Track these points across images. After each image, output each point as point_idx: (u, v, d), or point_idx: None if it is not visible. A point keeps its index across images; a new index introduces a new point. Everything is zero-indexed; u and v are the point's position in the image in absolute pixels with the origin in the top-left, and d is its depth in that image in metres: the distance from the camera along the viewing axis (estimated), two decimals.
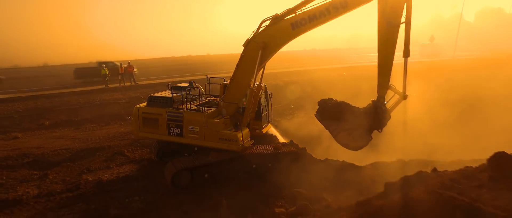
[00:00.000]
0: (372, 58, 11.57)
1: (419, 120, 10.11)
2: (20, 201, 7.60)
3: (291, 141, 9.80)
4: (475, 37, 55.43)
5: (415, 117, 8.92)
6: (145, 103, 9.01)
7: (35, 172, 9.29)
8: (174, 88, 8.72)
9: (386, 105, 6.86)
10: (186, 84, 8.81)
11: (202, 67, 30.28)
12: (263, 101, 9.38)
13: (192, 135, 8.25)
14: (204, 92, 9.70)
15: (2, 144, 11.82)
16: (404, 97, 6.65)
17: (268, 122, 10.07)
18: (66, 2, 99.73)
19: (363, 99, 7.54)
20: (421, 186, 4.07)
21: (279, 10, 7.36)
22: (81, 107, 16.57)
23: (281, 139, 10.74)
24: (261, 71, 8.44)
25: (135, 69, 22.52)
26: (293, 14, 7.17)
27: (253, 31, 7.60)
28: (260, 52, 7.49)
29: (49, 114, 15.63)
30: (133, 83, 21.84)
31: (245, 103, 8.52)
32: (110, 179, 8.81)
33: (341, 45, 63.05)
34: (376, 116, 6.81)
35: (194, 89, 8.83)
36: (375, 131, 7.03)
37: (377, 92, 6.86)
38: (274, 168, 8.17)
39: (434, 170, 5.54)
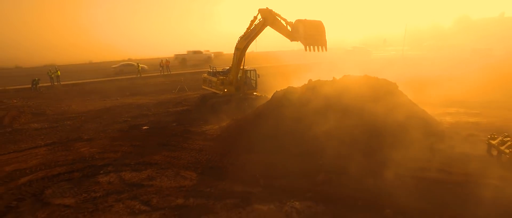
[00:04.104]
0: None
1: None
2: (147, 114, 18.13)
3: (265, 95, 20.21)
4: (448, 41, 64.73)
5: None
6: (206, 73, 19.91)
7: (144, 108, 19.81)
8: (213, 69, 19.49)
9: None
10: (224, 69, 19.69)
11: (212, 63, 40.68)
12: (248, 77, 19.63)
13: (212, 87, 18.97)
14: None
15: (113, 102, 22.34)
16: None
17: (255, 89, 20.31)
18: (65, 3, 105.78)
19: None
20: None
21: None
22: (143, 86, 27.13)
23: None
24: (243, 60, 18.08)
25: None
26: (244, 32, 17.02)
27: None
28: (237, 52, 17.50)
29: (126, 89, 26.19)
30: (169, 73, 32.46)
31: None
32: (181, 110, 19.33)
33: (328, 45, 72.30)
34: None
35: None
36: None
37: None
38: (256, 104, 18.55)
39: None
